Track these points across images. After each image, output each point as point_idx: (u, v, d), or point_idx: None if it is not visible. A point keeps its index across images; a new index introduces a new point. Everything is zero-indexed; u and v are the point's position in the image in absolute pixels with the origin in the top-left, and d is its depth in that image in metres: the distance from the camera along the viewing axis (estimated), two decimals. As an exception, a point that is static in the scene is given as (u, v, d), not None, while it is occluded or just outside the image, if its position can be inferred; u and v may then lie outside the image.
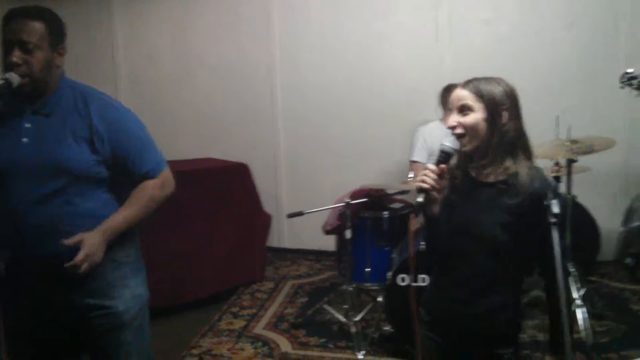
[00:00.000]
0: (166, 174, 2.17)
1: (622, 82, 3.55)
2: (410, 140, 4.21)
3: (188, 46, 5.43)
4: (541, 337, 3.46)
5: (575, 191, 4.20)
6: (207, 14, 5.32)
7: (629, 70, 3.54)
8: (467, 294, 1.82)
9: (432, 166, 1.75)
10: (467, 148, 1.79)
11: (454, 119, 1.79)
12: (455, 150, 1.78)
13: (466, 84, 1.82)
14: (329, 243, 4.08)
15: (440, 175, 1.76)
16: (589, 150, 3.38)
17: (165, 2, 5.42)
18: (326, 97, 5.14)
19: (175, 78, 5.51)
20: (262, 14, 5.17)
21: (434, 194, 1.76)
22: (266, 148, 5.37)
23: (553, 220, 1.49)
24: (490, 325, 1.81)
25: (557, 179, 3.62)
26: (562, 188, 3.57)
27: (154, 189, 2.11)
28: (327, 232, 3.84)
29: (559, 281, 1.41)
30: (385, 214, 3.79)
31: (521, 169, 1.76)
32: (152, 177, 2.11)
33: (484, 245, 1.77)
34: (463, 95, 1.79)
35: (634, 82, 3.50)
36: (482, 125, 1.76)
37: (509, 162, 1.78)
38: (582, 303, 3.36)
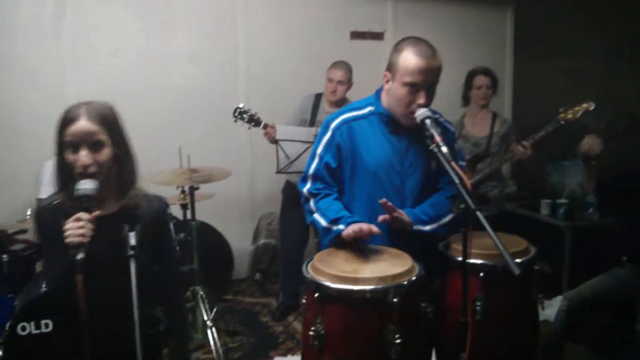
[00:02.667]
0: None
1: (235, 116, 3.87)
2: (35, 175, 3.84)
3: None
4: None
5: (208, 216, 4.42)
6: None
7: (240, 105, 3.88)
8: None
9: (86, 215, 1.57)
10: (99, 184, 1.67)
11: (88, 157, 1.64)
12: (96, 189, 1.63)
13: (93, 116, 1.67)
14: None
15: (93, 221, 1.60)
16: (208, 180, 3.55)
17: None
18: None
19: None
20: None
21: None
22: None
23: (131, 252, 1.48)
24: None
25: (185, 206, 3.75)
26: (189, 214, 3.69)
27: None
28: None
29: (135, 313, 1.39)
30: (5, 257, 3.40)
31: (141, 196, 1.78)
32: None
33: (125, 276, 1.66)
34: (93, 129, 1.65)
35: (245, 116, 3.85)
36: (111, 160, 1.70)
37: (132, 192, 1.76)
38: (212, 324, 3.52)
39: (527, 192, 5.24)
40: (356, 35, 5.11)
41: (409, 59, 2.10)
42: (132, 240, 1.51)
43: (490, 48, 5.78)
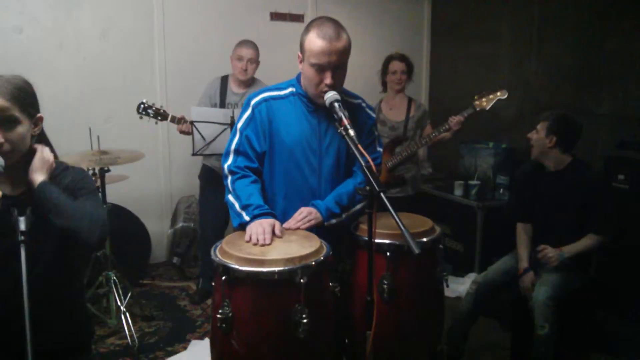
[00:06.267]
0: None
1: (140, 113, 3.68)
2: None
3: None
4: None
5: (124, 200, 4.31)
6: None
7: (144, 100, 3.67)
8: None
9: None
10: (10, 163, 1.59)
11: None
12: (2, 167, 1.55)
13: (3, 91, 1.57)
14: None
15: None
16: (115, 162, 3.43)
17: None
18: None
19: None
20: None
21: None
22: None
23: (21, 238, 1.41)
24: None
25: (97, 188, 3.61)
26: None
27: None
28: None
29: (25, 300, 1.34)
30: None
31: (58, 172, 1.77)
32: None
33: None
34: (4, 106, 1.56)
35: (150, 111, 3.69)
36: (28, 136, 1.64)
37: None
38: (125, 309, 3.44)
39: (442, 173, 5.42)
40: (276, 16, 5.06)
41: (313, 40, 2.12)
42: (22, 226, 1.44)
43: (408, 34, 5.89)
